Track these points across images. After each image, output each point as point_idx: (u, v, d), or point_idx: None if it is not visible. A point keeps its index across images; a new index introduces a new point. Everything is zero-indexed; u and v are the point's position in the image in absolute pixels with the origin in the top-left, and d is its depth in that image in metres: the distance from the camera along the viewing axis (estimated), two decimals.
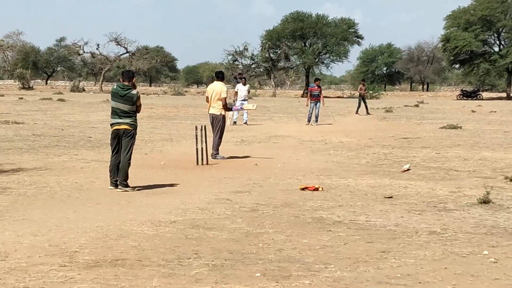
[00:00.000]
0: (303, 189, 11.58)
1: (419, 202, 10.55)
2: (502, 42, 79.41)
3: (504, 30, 77.77)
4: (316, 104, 28.96)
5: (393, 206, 10.17)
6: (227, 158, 16.08)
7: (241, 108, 21.68)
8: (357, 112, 37.43)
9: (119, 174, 11.54)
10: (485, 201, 10.12)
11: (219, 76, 16.60)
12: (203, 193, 11.11)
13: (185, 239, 7.79)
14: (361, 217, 9.27)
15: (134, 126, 11.68)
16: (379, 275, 6.40)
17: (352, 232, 8.31)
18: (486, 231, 8.45)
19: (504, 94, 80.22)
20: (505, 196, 11.02)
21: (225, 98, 16.14)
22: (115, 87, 11.91)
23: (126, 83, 11.65)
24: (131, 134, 11.64)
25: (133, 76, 11.97)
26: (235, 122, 27.76)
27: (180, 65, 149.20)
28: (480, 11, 75.16)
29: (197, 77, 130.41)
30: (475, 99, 69.36)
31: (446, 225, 8.74)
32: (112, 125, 11.76)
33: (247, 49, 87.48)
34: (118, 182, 11.50)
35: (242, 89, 28.71)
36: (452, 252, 7.31)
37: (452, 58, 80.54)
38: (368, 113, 37.13)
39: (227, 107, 16.51)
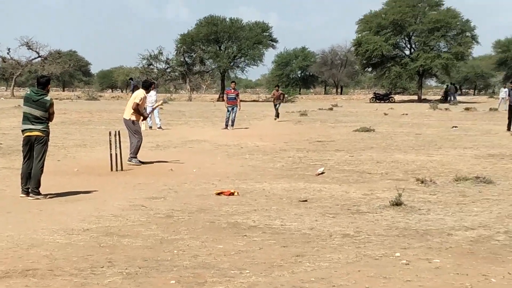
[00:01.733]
0: (218, 194, 11.56)
1: (333, 205, 10.66)
2: (413, 46, 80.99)
3: (414, 34, 79.30)
4: (233, 108, 28.98)
5: (307, 209, 10.25)
6: (142, 163, 15.95)
7: (152, 108, 21.53)
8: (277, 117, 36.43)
9: (31, 182, 11.30)
10: (397, 203, 10.29)
11: (143, 84, 17.18)
12: (117, 200, 10.98)
13: (99, 247, 7.68)
14: (276, 221, 9.31)
15: (46, 133, 11.43)
16: (293, 279, 6.43)
17: (267, 236, 8.33)
18: (398, 233, 8.59)
19: (415, 97, 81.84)
20: (416, 198, 11.24)
21: (136, 103, 16.15)
22: (28, 92, 11.69)
23: (40, 89, 11.42)
24: (43, 141, 11.38)
25: (48, 82, 11.75)
26: (150, 127, 27.55)
27: (94, 70, 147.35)
28: (392, 15, 76.48)
29: (111, 81, 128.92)
30: (388, 102, 70.47)
31: (360, 228, 8.85)
32: (23, 131, 11.50)
33: (162, 53, 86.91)
34: (29, 190, 11.26)
35: (150, 94, 28.40)
36: (365, 255, 7.40)
37: (364, 61, 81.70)
38: (275, 118, 36.15)
39: (142, 114, 16.49)
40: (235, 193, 11.58)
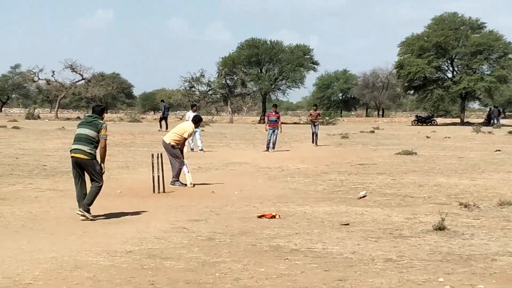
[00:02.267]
0: (260, 216, 11.57)
1: (375, 229, 10.60)
2: (456, 69, 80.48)
3: (457, 57, 78.88)
4: (274, 131, 29.01)
5: (349, 233, 10.21)
6: (185, 185, 16.04)
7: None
8: (313, 141, 33.80)
9: (86, 198, 11.42)
10: (440, 228, 10.20)
11: (194, 119, 17.28)
12: (159, 222, 11.04)
13: (141, 269, 7.73)
14: (318, 244, 9.28)
15: (92, 156, 11.50)
16: None
17: (309, 260, 8.31)
18: (441, 258, 8.51)
19: (458, 120, 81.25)
20: (459, 222, 11.13)
21: (185, 138, 16.43)
22: (83, 118, 12.02)
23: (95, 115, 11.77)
24: (91, 163, 11.46)
25: (103, 111, 12.09)
26: (192, 149, 27.71)
27: (137, 92, 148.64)
28: (434, 38, 76.14)
29: (153, 103, 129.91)
30: (430, 125, 70.09)
31: (402, 252, 8.79)
32: (71, 151, 11.63)
33: (203, 76, 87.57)
34: (82, 205, 11.37)
35: (191, 116, 28.60)
36: (408, 280, 7.35)
37: (406, 84, 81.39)
38: (315, 144, 33.42)
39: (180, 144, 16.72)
40: (277, 216, 11.58)
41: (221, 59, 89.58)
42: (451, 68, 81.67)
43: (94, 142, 11.53)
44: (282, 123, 29.96)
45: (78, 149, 11.50)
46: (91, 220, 11.27)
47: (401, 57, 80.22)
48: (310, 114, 35.86)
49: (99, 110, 11.94)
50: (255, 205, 13.01)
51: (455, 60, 79.87)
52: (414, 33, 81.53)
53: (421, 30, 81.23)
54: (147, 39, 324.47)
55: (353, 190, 15.53)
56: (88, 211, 11.37)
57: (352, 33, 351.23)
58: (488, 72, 77.31)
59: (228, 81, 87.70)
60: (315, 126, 33.82)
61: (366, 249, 8.99)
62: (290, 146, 32.65)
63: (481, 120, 77.42)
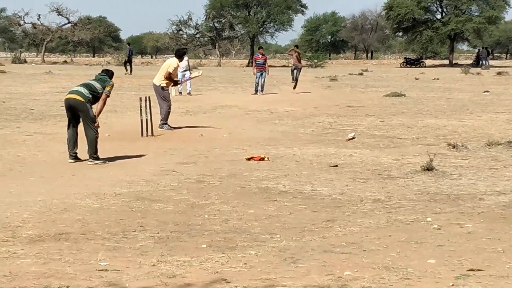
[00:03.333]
0: (249, 159, 11.57)
1: (364, 170, 10.64)
2: (444, 10, 79.98)
3: None
4: (261, 74, 28.88)
5: (338, 174, 10.24)
6: (174, 128, 16.00)
7: (189, 78, 21.81)
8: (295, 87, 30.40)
9: (88, 150, 11.30)
10: (428, 168, 10.23)
11: (176, 53, 17.03)
12: (148, 165, 11.04)
13: (130, 211, 7.74)
14: (306, 186, 9.31)
15: (87, 99, 11.26)
16: (324, 243, 6.43)
17: (298, 201, 8.34)
18: (429, 198, 8.56)
19: (447, 61, 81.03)
20: (448, 163, 11.18)
21: (169, 72, 16.18)
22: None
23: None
24: (85, 107, 11.27)
25: (112, 74, 12.08)
26: (180, 93, 27.59)
27: (124, 35, 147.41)
28: None
29: (141, 47, 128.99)
30: (419, 67, 69.83)
31: (391, 193, 8.83)
32: (67, 94, 11.58)
33: (191, 19, 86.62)
34: (88, 156, 11.28)
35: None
36: (396, 220, 7.39)
37: (395, 26, 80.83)
38: (294, 87, 30.36)
39: (174, 81, 16.63)
40: (266, 158, 11.58)
41: (209, 2, 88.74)
42: (440, 9, 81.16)
43: (95, 93, 11.36)
44: (270, 66, 29.70)
45: (75, 90, 11.38)
46: (104, 163, 11.21)
47: None
48: (289, 52, 31.57)
49: (110, 74, 11.94)
50: (244, 148, 13.01)
51: (444, 1, 79.33)
52: None
53: None
54: None
55: (341, 132, 15.54)
56: (97, 158, 11.27)
57: None
58: (477, 13, 76.89)
59: (216, 24, 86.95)
60: (298, 70, 30.50)
61: (355, 190, 9.02)
62: (279, 89, 32.53)
63: (470, 62, 77.27)
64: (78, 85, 11.63)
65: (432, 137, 14.64)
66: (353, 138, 14.45)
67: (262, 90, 28.81)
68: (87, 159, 11.29)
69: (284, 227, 7.08)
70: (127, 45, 53.99)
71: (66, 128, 11.68)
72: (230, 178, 9.93)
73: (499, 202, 8.26)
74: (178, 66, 16.66)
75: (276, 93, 29.60)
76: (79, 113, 11.34)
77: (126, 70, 45.94)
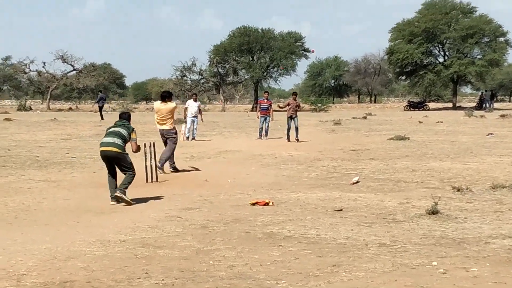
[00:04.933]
0: (253, 204, 11.57)
1: (369, 214, 10.62)
2: (447, 53, 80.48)
3: (448, 42, 78.84)
4: (265, 118, 28.95)
5: (343, 219, 10.22)
6: (166, 172, 16.26)
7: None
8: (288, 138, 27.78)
9: (121, 182, 11.95)
10: (433, 212, 10.22)
11: (165, 95, 17.32)
12: (153, 211, 11.04)
13: (135, 258, 7.73)
14: (311, 231, 9.29)
15: (123, 149, 12.02)
16: None
17: (302, 246, 8.32)
18: (435, 241, 8.54)
19: (450, 104, 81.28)
20: (452, 206, 11.16)
21: (172, 111, 16.78)
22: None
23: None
24: (122, 157, 12.00)
25: (130, 117, 12.84)
26: (187, 138, 27.70)
27: (128, 82, 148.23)
28: (424, 23, 76.01)
29: (145, 93, 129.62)
30: (422, 110, 70.01)
31: (396, 237, 8.81)
32: (100, 145, 12.22)
33: (195, 64, 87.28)
34: (118, 189, 11.82)
35: (192, 105, 28.60)
36: (402, 264, 7.37)
37: (398, 70, 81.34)
38: (296, 138, 27.36)
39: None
40: (270, 203, 11.58)
41: (212, 48, 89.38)
42: (442, 53, 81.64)
43: (125, 139, 12.10)
44: (274, 110, 29.79)
45: (108, 142, 12.03)
46: (128, 203, 11.65)
47: (392, 43, 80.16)
48: (288, 104, 28.57)
49: (127, 116, 12.72)
50: (248, 193, 13.01)
51: (446, 45, 79.82)
52: (405, 18, 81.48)
53: (413, 15, 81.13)
54: (139, 29, 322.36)
55: (346, 176, 15.54)
56: (124, 193, 11.79)
57: (344, 18, 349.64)
58: (479, 56, 77.32)
59: (219, 70, 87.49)
60: (293, 119, 27.88)
61: (360, 234, 9.01)
62: (283, 134, 32.57)
63: (473, 104, 77.48)
64: (109, 135, 12.20)
65: (437, 181, 14.63)
66: (357, 182, 14.45)
67: (266, 135, 28.86)
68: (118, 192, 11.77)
69: (289, 272, 7.06)
70: (99, 93, 55.50)
71: (107, 174, 12.31)
72: (235, 223, 9.92)
73: (504, 246, 8.23)
74: (176, 106, 17.19)
75: (280, 138, 29.62)
76: (119, 162, 12.05)
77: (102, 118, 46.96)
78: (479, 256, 7.71)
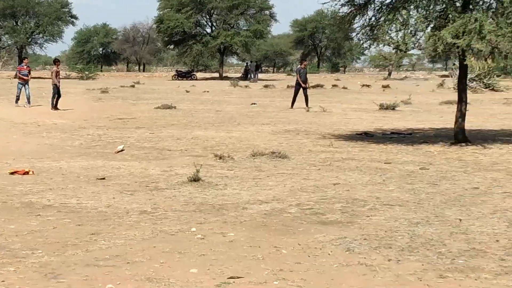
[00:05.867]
0: (12, 173, 11.18)
1: (132, 182, 10.61)
2: (214, 24, 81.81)
3: (215, 12, 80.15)
4: (25, 85, 28.06)
5: (105, 187, 10.14)
6: None
7: None
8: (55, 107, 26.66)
9: None
10: (195, 179, 10.40)
11: None
12: None
13: None
14: (72, 199, 9.14)
15: None
16: (87, 257, 6.35)
17: (62, 215, 8.18)
18: (195, 208, 8.69)
19: (217, 74, 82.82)
20: (214, 173, 11.40)
21: None
22: None
23: None
24: None
25: None
26: None
27: None
28: None
29: None
30: (190, 79, 70.80)
31: (157, 204, 8.88)
32: None
33: None
34: None
35: None
36: (162, 231, 7.44)
37: (166, 39, 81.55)
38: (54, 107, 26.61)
39: None
40: (30, 172, 11.24)
41: None
42: (210, 24, 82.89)
43: None
44: (39, 77, 28.93)
45: None
46: None
47: (161, 12, 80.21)
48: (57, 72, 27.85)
49: None
50: (7, 162, 12.54)
51: (214, 16, 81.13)
52: None
53: None
54: None
55: (110, 145, 15.42)
56: None
57: None
58: (245, 28, 79.36)
59: None
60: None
61: (121, 203, 8.98)
62: (47, 101, 31.68)
63: (239, 75, 79.51)
64: None
65: (200, 149, 14.88)
66: (122, 150, 14.39)
67: (29, 102, 27.91)
68: None
69: (47, 242, 6.91)
70: None
71: None
72: None
73: (261, 211, 8.54)
74: None
75: (40, 105, 28.73)
76: None
77: None
78: (237, 222, 7.95)
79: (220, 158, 12.99)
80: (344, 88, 48.70)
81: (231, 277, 5.79)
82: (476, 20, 13.90)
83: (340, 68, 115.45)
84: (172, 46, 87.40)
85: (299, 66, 30.70)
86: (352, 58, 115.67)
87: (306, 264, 6.26)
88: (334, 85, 51.52)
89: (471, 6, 14.97)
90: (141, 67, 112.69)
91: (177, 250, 6.64)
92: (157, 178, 10.99)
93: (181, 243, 6.92)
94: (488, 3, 15.19)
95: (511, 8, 14.09)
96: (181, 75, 75.37)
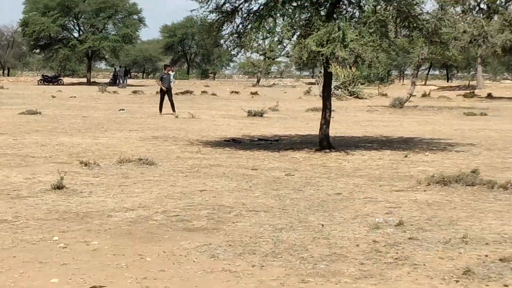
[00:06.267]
0: None
1: None
2: (81, 28, 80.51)
3: (82, 16, 78.89)
4: None
5: None
6: None
7: None
8: None
9: None
10: (58, 187, 10.17)
11: None
12: None
13: None
14: None
15: None
16: None
17: None
18: (58, 216, 8.50)
19: (85, 80, 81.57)
20: (79, 180, 11.19)
21: None
22: None
23: None
24: None
25: None
26: None
27: None
28: None
29: None
30: (56, 84, 69.45)
31: (18, 213, 8.63)
32: None
33: None
34: None
35: None
36: (23, 240, 7.25)
37: (32, 43, 79.66)
38: None
39: None
40: None
41: None
42: (77, 28, 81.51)
43: None
44: None
45: None
46: None
47: (26, 15, 78.25)
48: None
49: None
50: None
51: (81, 19, 79.82)
52: None
53: None
54: None
55: None
56: None
57: None
58: (114, 32, 78.49)
59: None
60: None
61: None
62: None
63: (108, 80, 78.58)
64: None
65: (66, 155, 14.58)
66: None
67: None
68: None
69: None
70: None
71: None
72: None
73: (126, 218, 8.44)
74: None
75: None
76: None
77: None
78: (101, 230, 7.83)
79: (86, 165, 12.76)
80: (213, 94, 48.95)
81: (93, 286, 5.71)
82: (339, 28, 14.29)
83: (210, 75, 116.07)
84: (38, 50, 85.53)
85: (163, 72, 30.52)
86: (221, 64, 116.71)
87: (171, 271, 6.24)
88: (203, 92, 51.68)
89: (335, 15, 15.38)
90: (5, 72, 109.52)
91: (38, 259, 6.48)
92: (19, 186, 10.69)
93: (42, 252, 6.76)
94: (352, 13, 15.69)
95: (373, 18, 14.58)
96: (47, 80, 73.86)
